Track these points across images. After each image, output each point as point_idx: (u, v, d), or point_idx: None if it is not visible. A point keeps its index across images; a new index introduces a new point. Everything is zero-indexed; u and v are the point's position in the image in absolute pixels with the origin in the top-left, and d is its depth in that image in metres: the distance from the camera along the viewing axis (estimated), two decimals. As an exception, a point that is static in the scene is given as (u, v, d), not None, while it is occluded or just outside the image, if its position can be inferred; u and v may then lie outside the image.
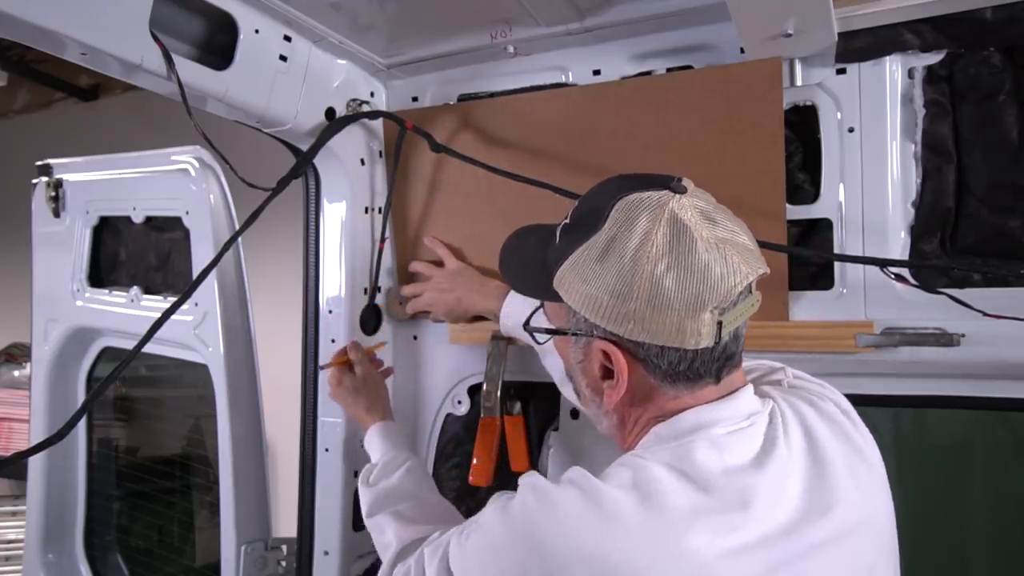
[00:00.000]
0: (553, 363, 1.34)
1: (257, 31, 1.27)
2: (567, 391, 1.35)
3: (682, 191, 0.81)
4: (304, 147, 1.44)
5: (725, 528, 0.75)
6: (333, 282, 1.55)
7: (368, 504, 1.23)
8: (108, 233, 1.99)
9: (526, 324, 0.98)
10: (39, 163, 2.02)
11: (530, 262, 0.93)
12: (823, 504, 0.80)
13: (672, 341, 0.78)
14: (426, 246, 1.55)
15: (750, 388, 0.87)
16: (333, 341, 1.55)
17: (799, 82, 1.25)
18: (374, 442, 1.36)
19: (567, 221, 0.88)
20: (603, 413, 0.90)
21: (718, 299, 0.77)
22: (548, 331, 0.93)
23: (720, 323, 0.78)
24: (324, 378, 1.49)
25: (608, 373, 0.85)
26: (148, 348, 1.18)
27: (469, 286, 1.46)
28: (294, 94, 1.37)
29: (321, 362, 1.53)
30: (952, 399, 1.25)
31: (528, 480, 0.83)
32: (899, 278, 1.20)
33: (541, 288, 0.89)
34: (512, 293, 1.40)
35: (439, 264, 1.54)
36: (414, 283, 1.57)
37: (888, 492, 0.90)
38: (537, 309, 0.99)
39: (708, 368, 0.82)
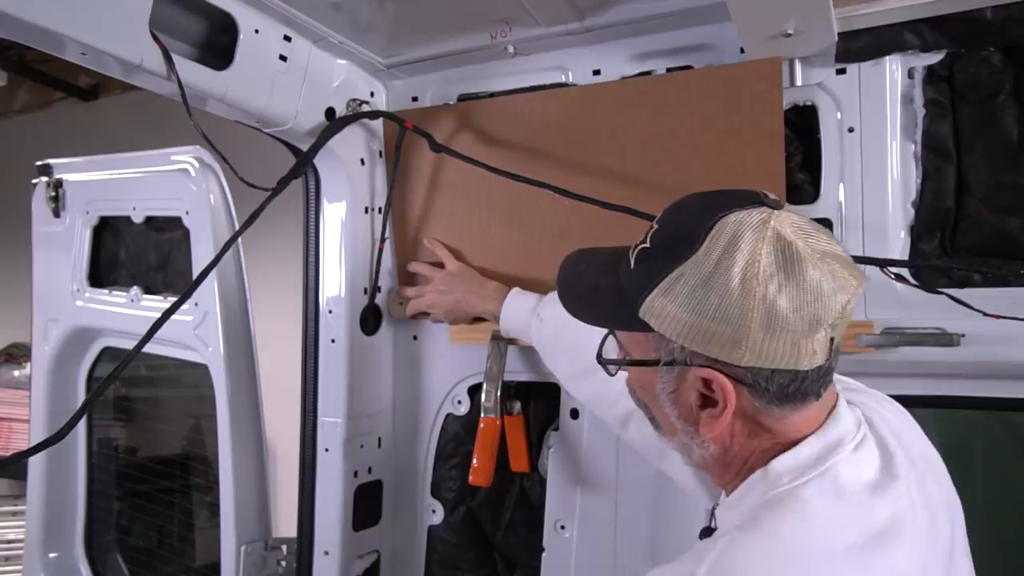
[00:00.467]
0: (554, 362, 1.34)
1: (257, 31, 1.27)
2: (572, 389, 1.35)
3: (778, 206, 0.77)
4: (304, 147, 1.44)
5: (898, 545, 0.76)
6: (333, 282, 1.55)
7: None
8: (108, 233, 1.99)
9: (599, 357, 0.91)
10: (39, 163, 2.02)
11: (600, 290, 0.87)
12: (928, 503, 0.82)
13: (786, 363, 0.74)
14: (426, 247, 1.55)
15: (842, 400, 0.85)
16: (333, 341, 1.55)
17: (799, 82, 1.25)
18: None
19: (646, 245, 0.82)
20: (696, 443, 0.85)
21: (833, 316, 0.74)
22: (632, 363, 0.86)
23: (832, 339, 0.75)
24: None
25: (707, 401, 0.80)
26: (148, 348, 1.18)
27: (468, 288, 1.47)
28: (294, 94, 1.37)
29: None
30: (952, 399, 1.25)
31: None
32: (899, 278, 1.20)
33: (618, 318, 0.85)
34: (512, 295, 1.40)
35: (439, 265, 1.54)
36: (415, 284, 1.57)
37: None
38: (605, 339, 0.92)
39: (814, 386, 0.78)
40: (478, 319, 1.50)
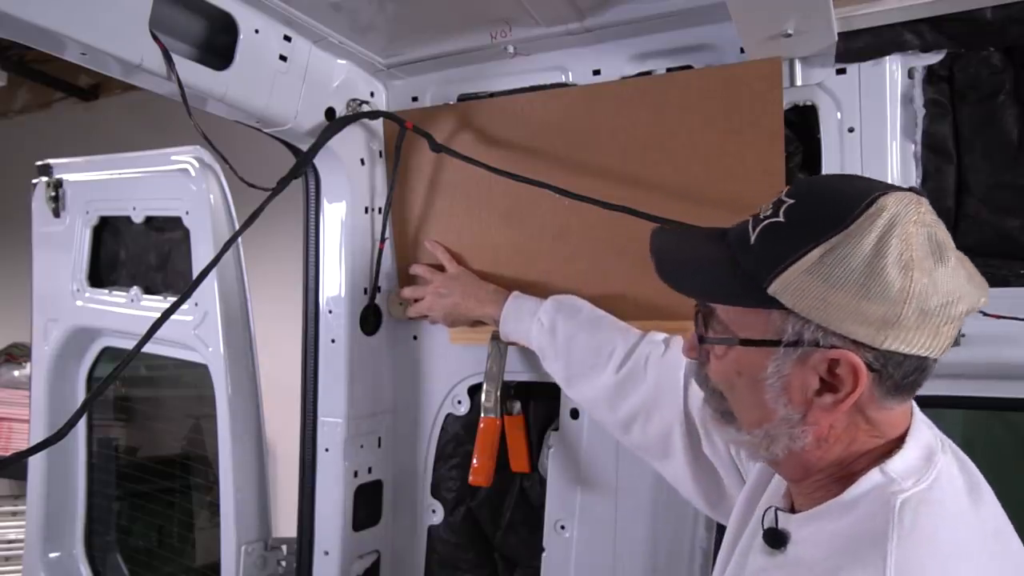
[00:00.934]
0: (554, 367, 1.34)
1: (257, 31, 1.27)
2: (572, 392, 1.34)
3: (923, 193, 0.76)
4: (304, 147, 1.44)
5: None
6: (333, 282, 1.55)
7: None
8: (108, 233, 1.99)
9: (701, 337, 0.87)
10: (39, 163, 2.02)
11: (709, 263, 0.84)
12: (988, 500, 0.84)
13: (925, 350, 0.73)
14: (427, 249, 1.55)
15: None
16: (333, 341, 1.55)
17: (799, 82, 1.25)
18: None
19: (778, 219, 0.78)
20: (791, 433, 0.80)
21: (969, 305, 0.74)
22: (746, 342, 0.81)
23: (959, 328, 0.75)
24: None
25: (826, 387, 0.77)
26: (148, 348, 1.18)
27: (466, 291, 1.46)
28: (294, 94, 1.37)
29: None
30: (952, 399, 1.25)
31: None
32: (899, 278, 1.19)
33: (734, 293, 0.81)
34: (511, 299, 1.40)
35: (439, 268, 1.54)
36: (414, 286, 1.57)
37: None
38: (710, 315, 0.86)
39: (924, 378, 0.78)
40: (477, 323, 1.50)
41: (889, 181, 1.21)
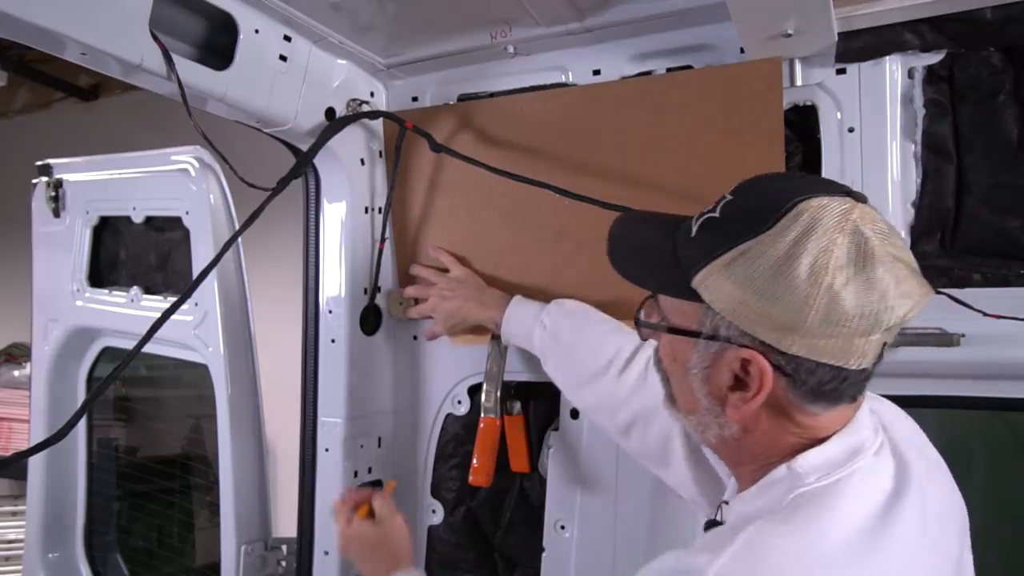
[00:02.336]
0: (555, 372, 1.34)
1: (257, 31, 1.27)
2: (573, 397, 1.34)
3: (864, 199, 0.74)
4: (304, 147, 1.44)
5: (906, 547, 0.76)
6: (333, 282, 1.55)
7: None
8: (108, 233, 1.99)
9: (637, 320, 0.90)
10: (39, 163, 2.02)
11: (652, 252, 0.85)
12: (946, 506, 0.85)
13: (835, 360, 0.72)
14: (431, 255, 1.55)
15: (866, 402, 0.83)
16: (333, 341, 1.55)
17: (799, 82, 1.25)
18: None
19: (714, 215, 0.79)
20: (718, 422, 0.83)
21: (893, 320, 0.71)
22: (671, 330, 0.84)
23: (885, 343, 0.74)
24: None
25: (740, 384, 0.78)
26: (148, 348, 1.18)
27: (469, 295, 1.45)
28: (294, 94, 1.37)
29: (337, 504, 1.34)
30: (952, 399, 1.25)
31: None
32: (899, 278, 1.20)
33: (666, 283, 0.83)
34: (514, 302, 1.39)
35: (443, 270, 1.53)
36: (417, 285, 1.56)
37: None
38: (647, 300, 0.90)
39: (854, 389, 0.77)
40: (477, 328, 1.49)
41: (890, 181, 1.23)
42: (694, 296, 0.77)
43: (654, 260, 0.85)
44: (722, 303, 0.75)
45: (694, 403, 0.84)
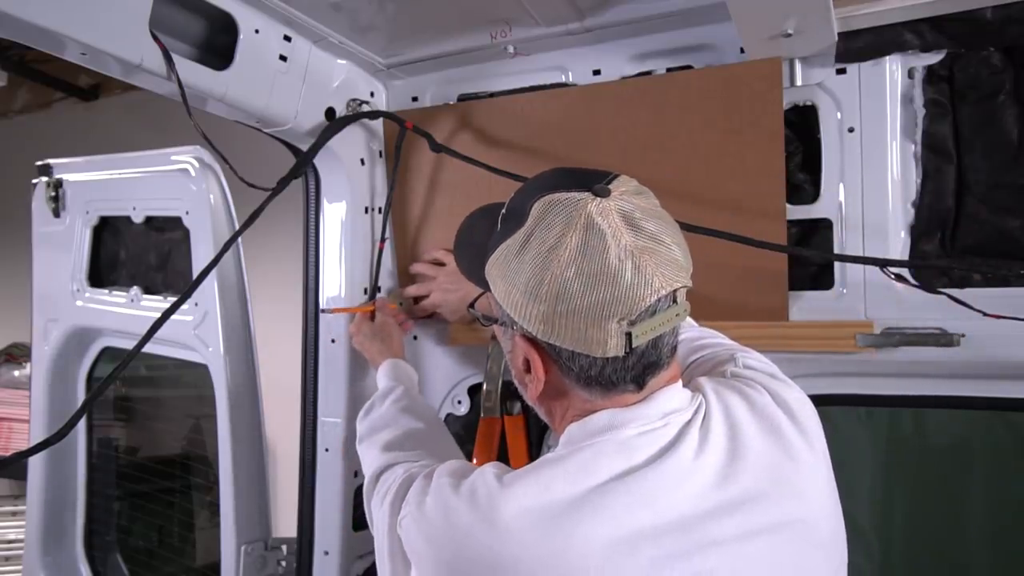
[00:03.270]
0: None
1: (257, 31, 1.27)
2: None
3: (604, 194, 0.78)
4: (304, 147, 1.44)
5: (610, 523, 0.75)
6: (333, 282, 1.55)
7: (359, 436, 1.25)
8: (108, 233, 1.99)
9: (470, 306, 0.99)
10: (39, 163, 2.02)
11: (476, 244, 0.90)
12: (733, 500, 0.78)
13: (579, 347, 0.77)
14: (430, 251, 1.55)
15: (676, 386, 0.84)
16: (333, 341, 1.55)
17: (799, 82, 1.25)
18: (379, 379, 1.39)
19: (504, 211, 0.86)
20: (532, 404, 0.90)
21: (625, 310, 0.74)
22: (485, 318, 0.92)
23: (629, 334, 0.75)
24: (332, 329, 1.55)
25: (529, 367, 0.84)
26: (148, 348, 1.18)
27: (470, 289, 1.45)
28: (294, 94, 1.37)
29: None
30: (952, 399, 1.25)
31: (438, 482, 0.85)
32: (899, 278, 1.20)
33: (477, 274, 0.88)
34: None
35: (439, 264, 1.53)
36: (418, 284, 1.56)
37: (829, 494, 0.86)
38: (482, 294, 0.94)
39: (622, 376, 0.79)
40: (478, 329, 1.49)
41: (890, 181, 1.23)
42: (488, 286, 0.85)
43: (474, 253, 0.90)
44: (498, 292, 0.82)
45: (518, 385, 0.91)
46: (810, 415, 0.88)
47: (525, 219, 0.79)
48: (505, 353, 0.90)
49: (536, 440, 1.58)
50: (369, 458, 1.16)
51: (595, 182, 0.79)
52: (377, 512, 0.97)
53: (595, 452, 0.79)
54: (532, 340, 0.81)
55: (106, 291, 1.96)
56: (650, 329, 0.76)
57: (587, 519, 0.75)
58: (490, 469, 0.83)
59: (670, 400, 0.82)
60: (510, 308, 0.80)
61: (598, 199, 0.77)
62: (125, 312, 1.90)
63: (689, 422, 0.81)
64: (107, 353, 2.08)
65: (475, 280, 0.92)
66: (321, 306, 1.56)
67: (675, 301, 0.78)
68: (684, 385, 0.86)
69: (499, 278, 0.81)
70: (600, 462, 0.78)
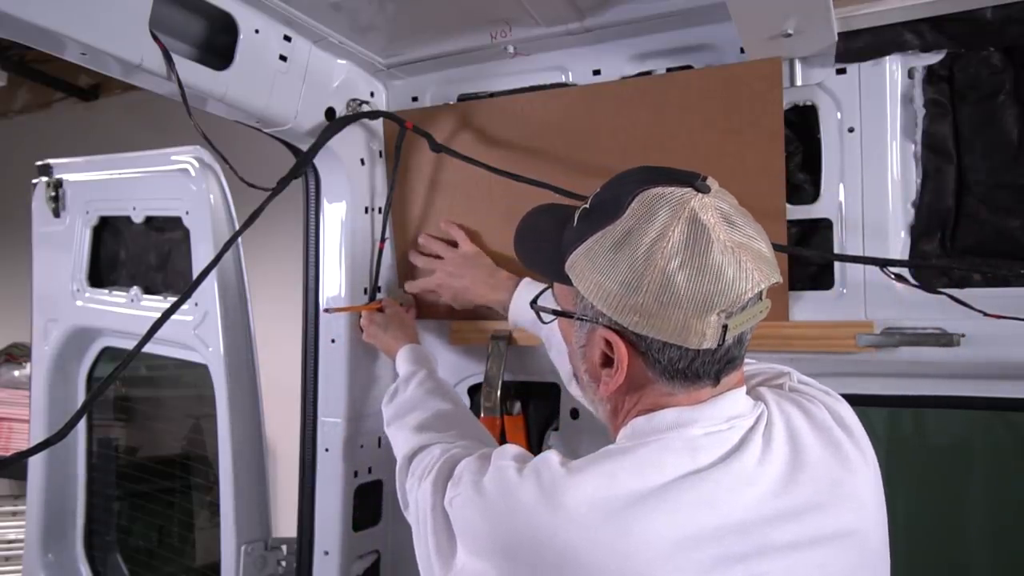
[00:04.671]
0: (559, 359, 1.34)
1: (257, 31, 1.28)
2: (572, 388, 1.35)
3: (705, 190, 0.81)
4: (304, 147, 1.44)
5: (675, 520, 0.76)
6: (333, 282, 1.55)
7: (386, 419, 1.27)
8: (108, 233, 1.99)
9: (534, 302, 0.98)
10: (39, 163, 2.02)
11: (546, 241, 0.92)
12: (793, 508, 0.80)
13: (675, 339, 0.78)
14: (441, 228, 1.53)
15: (741, 391, 0.87)
16: (333, 341, 1.55)
17: (799, 82, 1.25)
18: (399, 364, 1.39)
19: (587, 206, 0.88)
20: (599, 400, 0.91)
21: (727, 302, 0.76)
22: (555, 312, 0.93)
23: (726, 326, 0.77)
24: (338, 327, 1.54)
25: (608, 361, 0.85)
26: (148, 348, 1.18)
27: (477, 275, 1.44)
28: (294, 94, 1.37)
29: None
30: (952, 399, 1.25)
31: (499, 464, 0.86)
32: (899, 278, 1.20)
33: (553, 269, 0.89)
34: (523, 286, 1.39)
35: (452, 244, 1.51)
36: (425, 257, 1.53)
37: (879, 505, 0.89)
38: (546, 289, 0.99)
39: (708, 369, 0.82)
40: (482, 315, 1.48)
41: (890, 181, 1.23)
42: (569, 280, 0.85)
43: (546, 248, 0.92)
44: (585, 286, 0.83)
45: (582, 380, 0.94)
46: (862, 429, 0.91)
47: (621, 213, 0.80)
48: (575, 349, 0.91)
49: (536, 440, 1.58)
50: (400, 440, 1.18)
51: (689, 180, 0.81)
52: (416, 491, 0.98)
53: (661, 447, 0.81)
54: (619, 333, 0.82)
55: (106, 291, 1.96)
56: (743, 322, 0.79)
57: (652, 515, 0.76)
58: (553, 455, 0.84)
59: (735, 404, 0.85)
60: (600, 301, 0.81)
61: (700, 195, 0.80)
62: (125, 312, 1.90)
63: (752, 428, 0.84)
64: (107, 353, 2.08)
65: (546, 276, 0.95)
66: (323, 306, 1.56)
67: (761, 298, 0.81)
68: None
69: (588, 271, 0.82)
70: (666, 458, 0.80)
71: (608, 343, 0.83)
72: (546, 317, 0.96)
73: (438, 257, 1.51)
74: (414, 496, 1.00)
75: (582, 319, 0.87)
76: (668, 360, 0.81)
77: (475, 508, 0.84)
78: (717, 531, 0.77)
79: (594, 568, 0.75)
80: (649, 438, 0.83)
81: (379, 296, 1.58)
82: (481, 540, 0.83)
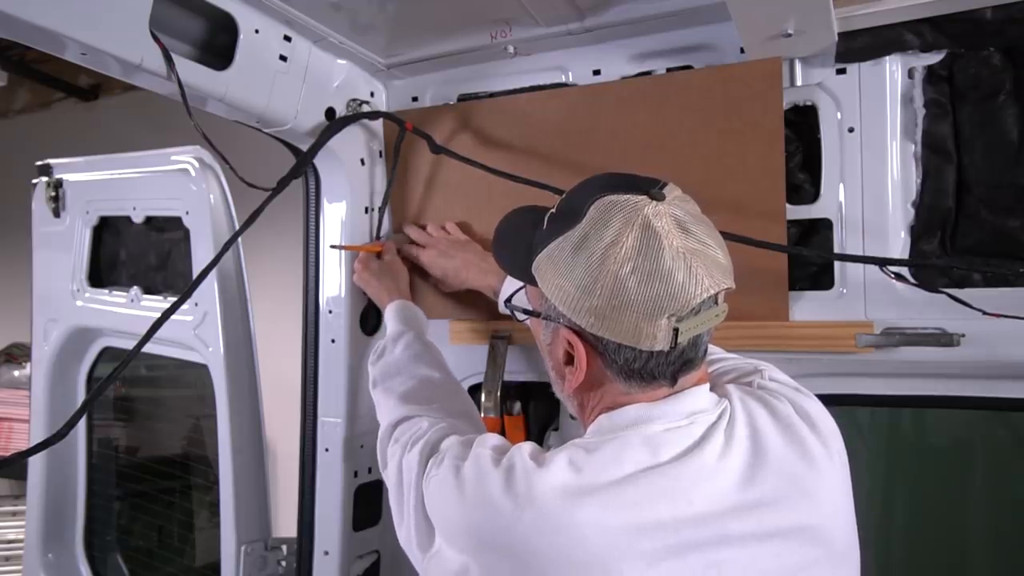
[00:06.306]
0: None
1: (257, 31, 1.28)
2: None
3: (660, 198, 0.83)
4: (304, 147, 1.44)
5: (632, 510, 0.79)
6: (333, 282, 1.55)
7: (371, 380, 1.29)
8: (108, 233, 1.99)
9: (507, 301, 1.02)
10: (39, 163, 2.02)
11: (519, 242, 0.95)
12: (753, 501, 0.82)
13: (628, 340, 0.81)
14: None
15: (703, 387, 0.89)
16: (333, 341, 1.55)
17: (799, 82, 1.25)
18: (388, 320, 1.40)
19: (554, 211, 0.91)
20: (566, 396, 0.95)
21: (676, 307, 0.79)
22: (524, 311, 0.98)
23: (676, 329, 0.80)
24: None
25: (570, 359, 0.89)
26: (148, 348, 1.18)
27: (469, 258, 1.44)
28: (294, 94, 1.37)
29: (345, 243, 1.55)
30: (952, 399, 1.25)
31: (478, 451, 0.89)
32: (899, 278, 1.20)
33: (522, 270, 0.93)
34: None
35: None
36: (418, 231, 1.52)
37: (845, 501, 0.89)
38: (520, 288, 1.02)
39: (663, 370, 0.85)
40: (472, 303, 1.48)
41: (890, 181, 1.23)
42: (535, 281, 0.89)
43: (519, 249, 0.95)
44: (547, 287, 0.86)
45: (552, 376, 0.97)
46: (830, 426, 0.92)
47: (581, 218, 0.84)
48: (543, 346, 0.96)
49: (536, 440, 1.57)
50: (386, 407, 1.20)
51: (647, 187, 0.84)
52: (402, 458, 1.01)
53: (622, 444, 0.84)
54: (578, 333, 0.85)
55: (106, 291, 1.96)
56: (694, 327, 0.82)
57: (610, 504, 0.80)
58: (527, 447, 0.88)
59: (697, 401, 0.88)
60: (560, 302, 0.84)
61: (654, 202, 0.83)
62: (125, 312, 1.90)
63: (715, 424, 0.86)
64: (107, 353, 2.08)
65: (517, 276, 0.98)
66: (323, 306, 1.56)
67: (716, 302, 0.84)
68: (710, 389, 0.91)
69: (550, 273, 0.86)
70: (626, 454, 0.83)
71: (569, 343, 0.87)
72: (519, 315, 0.99)
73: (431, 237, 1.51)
74: (396, 461, 1.03)
75: (547, 319, 0.91)
76: (624, 360, 0.84)
77: (449, 489, 0.88)
78: (674, 522, 0.80)
79: (545, 555, 0.79)
80: (611, 435, 0.86)
81: (382, 238, 1.57)
82: (454, 524, 0.87)
